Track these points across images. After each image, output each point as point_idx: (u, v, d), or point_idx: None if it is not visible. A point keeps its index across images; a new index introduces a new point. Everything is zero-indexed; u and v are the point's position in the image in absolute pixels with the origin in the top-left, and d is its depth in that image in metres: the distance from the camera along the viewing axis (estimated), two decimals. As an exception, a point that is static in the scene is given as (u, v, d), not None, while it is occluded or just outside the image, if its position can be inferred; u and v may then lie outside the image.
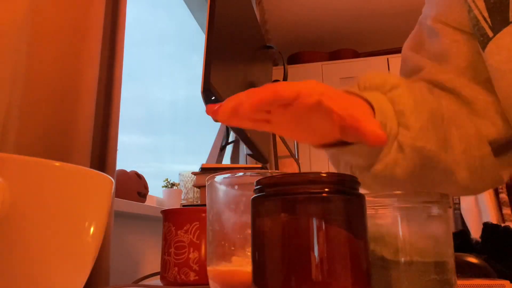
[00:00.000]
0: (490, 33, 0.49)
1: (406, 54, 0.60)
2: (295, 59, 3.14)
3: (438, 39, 0.55)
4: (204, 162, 1.16)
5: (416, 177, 0.47)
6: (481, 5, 0.50)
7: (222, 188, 0.39)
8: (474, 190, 0.54)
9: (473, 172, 0.50)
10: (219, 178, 0.39)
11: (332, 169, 0.50)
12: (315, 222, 0.26)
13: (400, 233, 0.35)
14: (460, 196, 2.13)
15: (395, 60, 2.80)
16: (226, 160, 1.52)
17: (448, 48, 0.54)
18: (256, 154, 1.18)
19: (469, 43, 0.53)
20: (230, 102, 0.34)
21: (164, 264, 0.62)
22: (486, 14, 0.50)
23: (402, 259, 0.34)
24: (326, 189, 0.27)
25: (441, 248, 0.35)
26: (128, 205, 0.96)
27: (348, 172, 0.50)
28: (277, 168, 1.37)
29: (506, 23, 0.47)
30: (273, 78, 1.39)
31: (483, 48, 0.49)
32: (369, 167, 0.46)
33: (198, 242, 0.60)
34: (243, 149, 1.56)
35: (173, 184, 1.37)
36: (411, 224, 0.35)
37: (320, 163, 2.87)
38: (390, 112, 0.45)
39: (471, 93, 0.52)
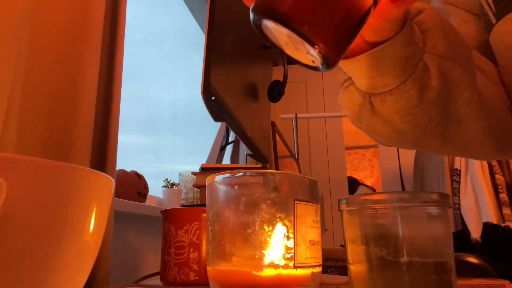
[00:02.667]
0: (493, 20, 0.49)
1: None
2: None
3: (449, 19, 0.55)
4: (204, 162, 1.16)
5: (440, 104, 0.43)
6: None
7: (222, 188, 0.39)
8: (497, 143, 0.50)
9: (496, 128, 0.48)
10: (219, 178, 0.39)
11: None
12: None
13: (400, 233, 0.35)
14: (460, 196, 2.13)
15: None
16: (226, 160, 1.52)
17: (458, 28, 0.53)
18: (256, 154, 1.18)
19: (479, 24, 0.53)
20: None
21: (164, 264, 0.62)
22: (490, 1, 0.50)
23: (402, 259, 0.34)
24: None
25: (441, 248, 0.35)
26: (128, 205, 0.96)
27: (361, 102, 0.45)
28: (277, 168, 1.37)
29: (509, 10, 0.47)
30: (273, 78, 1.39)
31: (488, 34, 0.50)
32: (389, 87, 0.42)
33: (198, 242, 0.60)
34: (243, 149, 1.56)
35: (173, 184, 1.37)
36: (411, 224, 0.35)
37: (320, 163, 2.87)
38: (416, 29, 0.41)
39: (485, 67, 0.51)
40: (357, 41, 0.38)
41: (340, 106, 0.50)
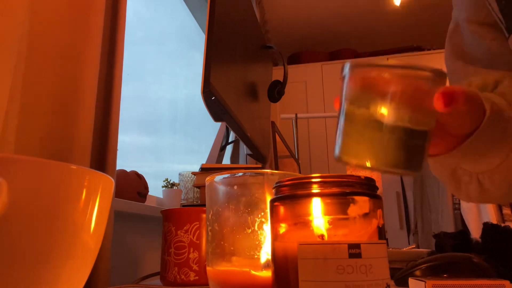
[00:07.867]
0: (506, 34, 0.50)
1: (452, 64, 0.58)
2: (295, 59, 3.14)
3: (478, 41, 0.55)
4: (204, 162, 1.16)
5: None
6: (495, 7, 0.51)
7: (221, 188, 0.39)
8: None
9: None
10: (218, 178, 0.39)
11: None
12: None
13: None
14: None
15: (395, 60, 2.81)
16: (226, 160, 1.52)
17: (491, 48, 0.54)
18: (256, 154, 1.18)
19: (505, 37, 0.53)
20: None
21: (164, 264, 0.62)
22: (500, 16, 0.50)
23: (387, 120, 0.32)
24: None
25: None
26: (128, 205, 0.96)
27: (467, 181, 0.47)
28: (277, 168, 1.37)
29: None
30: (273, 78, 1.39)
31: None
32: (489, 166, 0.43)
33: (198, 242, 0.60)
34: (243, 149, 1.56)
35: (173, 184, 1.37)
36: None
37: (320, 163, 2.87)
38: (502, 102, 0.41)
39: None
40: (446, 139, 0.39)
41: (443, 182, 0.52)
